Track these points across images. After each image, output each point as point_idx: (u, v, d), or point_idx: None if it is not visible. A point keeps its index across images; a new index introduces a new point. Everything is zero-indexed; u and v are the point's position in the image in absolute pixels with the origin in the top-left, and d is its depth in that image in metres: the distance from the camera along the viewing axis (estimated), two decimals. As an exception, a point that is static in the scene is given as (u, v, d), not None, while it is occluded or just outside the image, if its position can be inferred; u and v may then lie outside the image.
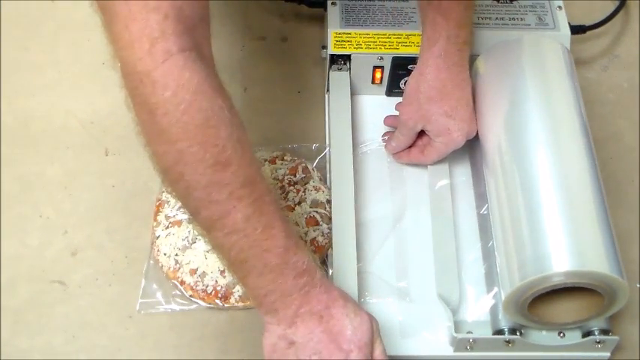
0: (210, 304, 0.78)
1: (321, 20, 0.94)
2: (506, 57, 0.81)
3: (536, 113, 0.76)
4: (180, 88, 0.58)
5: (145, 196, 0.84)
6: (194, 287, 0.78)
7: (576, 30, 0.91)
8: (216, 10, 0.99)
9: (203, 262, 0.78)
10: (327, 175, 0.84)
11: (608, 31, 0.99)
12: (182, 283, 0.78)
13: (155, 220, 0.81)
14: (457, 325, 0.74)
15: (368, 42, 0.86)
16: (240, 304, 0.78)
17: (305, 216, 0.81)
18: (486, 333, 0.74)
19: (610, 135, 0.90)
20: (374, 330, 0.66)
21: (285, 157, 0.85)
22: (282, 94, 0.93)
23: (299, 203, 0.81)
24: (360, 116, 0.88)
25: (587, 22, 0.94)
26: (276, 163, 0.85)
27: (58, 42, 0.97)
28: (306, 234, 0.79)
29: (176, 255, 0.79)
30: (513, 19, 0.87)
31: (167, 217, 0.81)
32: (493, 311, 0.74)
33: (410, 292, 0.77)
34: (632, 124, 0.92)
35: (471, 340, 0.73)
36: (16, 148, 0.87)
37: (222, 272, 0.78)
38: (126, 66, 0.58)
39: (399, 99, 0.90)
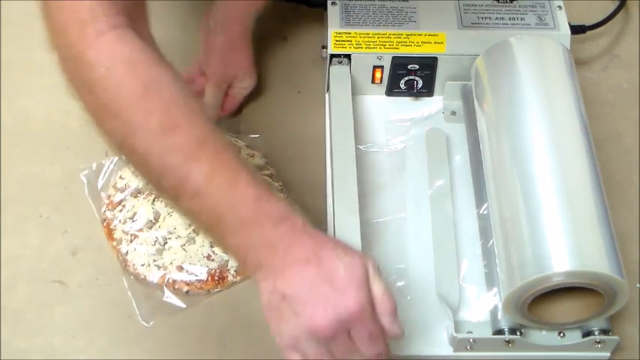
0: (210, 290, 0.78)
1: (321, 20, 0.94)
2: (506, 57, 0.81)
3: (536, 113, 0.76)
4: (113, 62, 0.59)
5: (145, 196, 0.84)
6: (188, 282, 0.78)
7: (576, 30, 0.91)
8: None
9: (185, 256, 0.78)
10: (327, 173, 0.84)
11: (608, 31, 0.99)
12: (174, 282, 0.78)
13: (113, 239, 0.80)
14: (457, 325, 0.74)
15: (368, 42, 0.86)
16: (238, 278, 0.78)
17: None
18: (486, 333, 0.74)
19: (610, 135, 0.90)
20: (370, 268, 0.63)
21: None
22: (282, 94, 0.93)
23: None
24: (359, 116, 0.88)
25: (587, 22, 0.94)
26: None
27: (58, 42, 0.97)
28: None
29: (155, 261, 0.79)
30: (513, 18, 0.87)
31: (126, 232, 0.80)
32: (493, 311, 0.74)
33: (410, 292, 0.77)
34: (632, 124, 0.92)
35: (470, 340, 0.73)
36: (16, 148, 0.87)
37: (207, 257, 0.78)
38: (61, 51, 0.61)
39: (399, 99, 0.90)
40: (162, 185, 0.62)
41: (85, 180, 0.84)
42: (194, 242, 0.79)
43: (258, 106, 0.92)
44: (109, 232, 0.81)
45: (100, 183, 0.84)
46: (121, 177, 0.84)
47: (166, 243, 0.79)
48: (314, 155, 0.87)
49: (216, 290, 0.78)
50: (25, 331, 0.76)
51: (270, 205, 0.62)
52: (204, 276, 0.78)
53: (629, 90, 0.95)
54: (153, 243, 0.79)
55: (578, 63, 0.85)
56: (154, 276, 0.78)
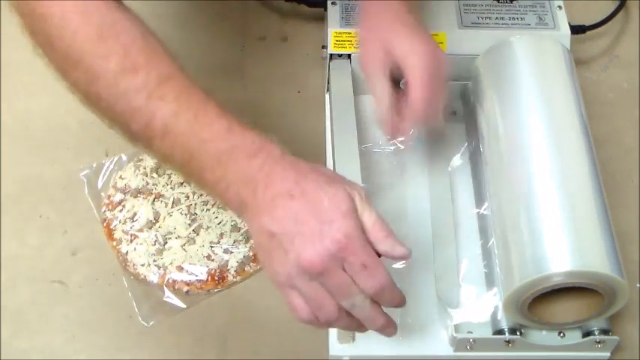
0: (210, 290, 0.78)
1: (321, 20, 0.94)
2: (506, 57, 0.81)
3: (536, 113, 0.76)
4: (66, 11, 0.60)
5: (145, 196, 0.84)
6: (188, 282, 0.78)
7: (576, 30, 0.91)
8: (216, 10, 0.99)
9: (185, 256, 0.79)
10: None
11: (608, 31, 0.99)
12: (174, 282, 0.78)
13: (113, 239, 0.80)
14: (457, 325, 0.74)
15: (368, 42, 0.86)
16: (238, 278, 0.78)
17: None
18: (486, 333, 0.74)
19: (610, 135, 0.90)
20: (357, 197, 0.61)
21: None
22: (282, 94, 0.93)
23: None
24: (360, 116, 0.87)
25: (587, 22, 0.94)
26: None
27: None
28: None
29: (155, 261, 0.79)
30: (513, 18, 0.87)
31: (126, 232, 0.80)
32: (493, 311, 0.74)
33: (410, 292, 0.77)
34: (632, 124, 0.92)
35: (471, 340, 0.73)
36: (16, 148, 0.87)
37: (207, 257, 0.78)
38: (19, 9, 0.62)
39: (399, 99, 0.90)
40: (133, 130, 0.61)
41: (84, 180, 0.84)
42: (194, 242, 0.79)
43: (258, 106, 0.92)
44: (109, 232, 0.81)
45: (100, 183, 0.84)
46: (121, 177, 0.84)
47: (166, 243, 0.79)
48: (314, 155, 0.87)
49: (216, 290, 0.78)
50: (25, 331, 0.76)
51: (242, 136, 0.61)
52: (204, 276, 0.78)
53: (629, 90, 0.95)
54: (153, 243, 0.79)
55: (578, 63, 0.85)
56: (154, 276, 0.78)
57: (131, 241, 0.80)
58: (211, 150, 0.60)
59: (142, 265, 0.79)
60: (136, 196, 0.82)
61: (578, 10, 0.95)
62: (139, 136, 0.62)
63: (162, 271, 0.78)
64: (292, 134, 0.90)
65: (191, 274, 0.78)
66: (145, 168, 0.84)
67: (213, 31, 0.98)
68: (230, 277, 0.78)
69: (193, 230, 0.80)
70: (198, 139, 0.60)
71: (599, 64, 0.97)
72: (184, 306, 0.77)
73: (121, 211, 0.82)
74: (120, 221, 0.81)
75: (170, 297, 0.78)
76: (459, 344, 0.73)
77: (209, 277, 0.78)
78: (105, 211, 0.82)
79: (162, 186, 0.83)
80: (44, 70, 0.94)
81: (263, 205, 0.60)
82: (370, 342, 0.74)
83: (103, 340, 0.76)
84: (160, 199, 0.82)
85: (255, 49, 0.97)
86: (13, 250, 0.80)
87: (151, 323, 0.76)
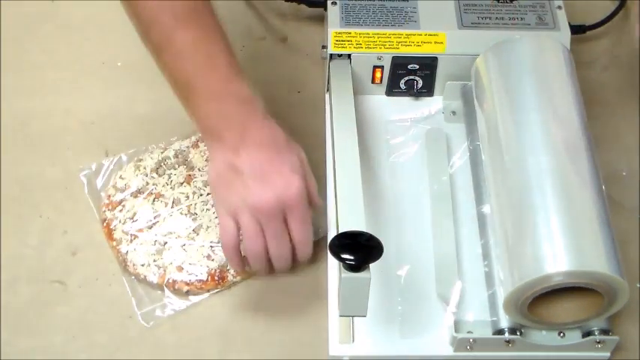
0: (210, 290, 0.78)
1: (321, 20, 0.94)
2: (506, 57, 0.81)
3: (536, 113, 0.76)
4: None
5: (145, 196, 0.84)
6: (188, 282, 0.78)
7: (576, 30, 0.91)
8: (216, 10, 0.99)
9: (185, 256, 0.79)
10: (327, 173, 0.84)
11: (608, 31, 0.99)
12: (174, 283, 0.78)
13: (113, 239, 0.80)
14: (457, 325, 0.74)
15: (368, 42, 0.86)
16: (238, 278, 0.78)
17: None
18: (486, 333, 0.74)
19: (610, 135, 0.90)
20: (305, 160, 0.74)
21: None
22: (282, 94, 0.93)
23: None
24: (359, 116, 0.88)
25: (587, 22, 0.94)
26: (199, 147, 0.86)
27: (58, 42, 0.97)
28: None
29: (155, 261, 0.79)
30: (513, 18, 0.87)
31: (126, 232, 0.80)
32: (493, 311, 0.74)
33: (410, 292, 0.77)
34: (632, 124, 0.92)
35: (471, 340, 0.73)
36: (16, 148, 0.87)
37: (207, 257, 0.78)
38: None
39: (399, 99, 0.90)
40: (150, 36, 0.68)
41: (84, 180, 0.84)
42: (194, 242, 0.79)
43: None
44: (109, 232, 0.81)
45: (100, 183, 0.84)
46: (121, 177, 0.84)
47: (166, 243, 0.79)
48: (314, 155, 0.87)
49: (216, 290, 0.78)
50: (25, 331, 0.76)
51: (238, 86, 0.70)
52: (204, 276, 0.78)
53: (629, 90, 0.95)
54: (153, 243, 0.79)
55: (578, 63, 0.84)
56: (153, 276, 0.78)
57: (131, 241, 0.80)
58: (210, 85, 0.69)
59: (142, 265, 0.79)
60: (136, 196, 0.82)
61: (578, 10, 0.95)
62: (154, 43, 0.69)
63: (162, 271, 0.78)
64: (292, 134, 0.89)
65: (191, 274, 0.78)
66: (145, 168, 0.84)
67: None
68: (230, 277, 0.78)
69: (193, 230, 0.80)
70: (203, 73, 0.69)
71: (599, 64, 0.97)
72: (184, 306, 0.77)
73: (120, 211, 0.82)
74: (120, 221, 0.81)
75: (170, 297, 0.78)
76: (459, 344, 0.73)
77: (209, 277, 0.78)
78: (105, 211, 0.82)
79: (162, 186, 0.83)
80: (44, 70, 0.95)
81: (238, 144, 0.70)
82: (370, 342, 0.74)
83: (103, 340, 0.76)
84: (160, 199, 0.82)
85: (255, 49, 0.97)
86: (13, 250, 0.80)
87: (151, 323, 0.76)
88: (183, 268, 0.78)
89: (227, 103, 0.70)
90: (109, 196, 0.83)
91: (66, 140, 0.88)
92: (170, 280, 0.78)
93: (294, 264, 0.76)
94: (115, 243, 0.80)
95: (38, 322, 0.77)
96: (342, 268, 0.66)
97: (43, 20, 0.99)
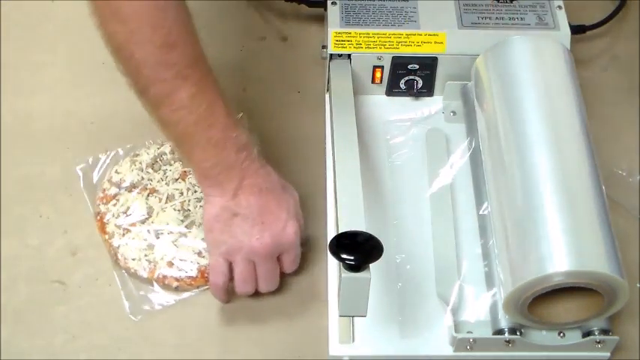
0: (199, 286, 0.78)
1: (321, 20, 0.94)
2: (506, 57, 0.81)
3: (536, 113, 0.76)
4: None
5: (145, 196, 0.84)
6: (178, 277, 0.78)
7: (576, 30, 0.91)
8: (216, 10, 0.99)
9: (176, 251, 0.79)
10: (327, 173, 0.84)
11: (608, 31, 0.99)
12: (164, 278, 0.78)
13: (105, 232, 0.81)
14: (457, 325, 0.74)
15: (368, 42, 0.86)
16: None
17: None
18: (486, 333, 0.74)
19: (610, 135, 0.90)
20: (298, 201, 0.76)
21: None
22: (282, 94, 0.93)
23: None
24: (359, 116, 0.88)
25: (587, 22, 0.94)
26: None
27: (58, 42, 0.97)
28: None
29: (146, 255, 0.79)
30: (513, 18, 0.87)
31: (118, 226, 0.80)
32: (493, 311, 0.74)
33: (410, 292, 0.77)
34: (632, 124, 0.92)
35: (471, 340, 0.73)
36: (16, 148, 0.87)
37: (198, 254, 0.79)
38: None
39: (399, 99, 0.90)
40: (149, 92, 0.68)
41: (80, 173, 0.85)
42: (186, 238, 0.79)
43: (258, 106, 0.92)
44: (102, 226, 0.81)
45: (96, 177, 0.85)
46: (116, 171, 0.84)
47: (158, 238, 0.80)
48: (314, 155, 0.87)
49: (205, 287, 0.78)
50: (25, 331, 0.76)
51: (236, 134, 0.71)
52: (194, 272, 0.78)
53: (629, 90, 0.95)
54: (145, 238, 0.80)
55: (578, 63, 0.84)
56: (144, 270, 0.78)
57: (123, 235, 0.80)
58: (210, 135, 0.70)
59: (133, 260, 0.79)
60: (130, 191, 0.82)
61: (578, 10, 0.95)
62: (153, 99, 0.69)
63: (152, 266, 0.78)
64: (292, 134, 0.90)
65: (181, 269, 0.78)
66: (140, 163, 0.84)
67: (213, 31, 0.98)
68: None
69: (186, 226, 0.80)
70: (204, 124, 0.69)
71: (599, 64, 0.97)
72: (173, 301, 0.78)
73: (114, 205, 0.82)
74: (113, 215, 0.81)
75: (159, 292, 0.78)
76: (459, 344, 0.73)
77: (199, 274, 0.78)
78: (99, 205, 0.83)
79: (157, 181, 0.83)
80: (44, 70, 0.95)
81: (236, 190, 0.72)
82: (370, 342, 0.74)
83: (103, 340, 0.76)
84: (155, 194, 0.82)
85: (255, 49, 0.97)
86: (13, 250, 0.80)
87: (139, 317, 0.76)
88: (173, 264, 0.78)
89: (226, 151, 0.71)
90: (104, 189, 0.83)
91: (66, 140, 0.88)
92: (160, 275, 0.78)
93: None
94: (107, 236, 0.80)
95: (38, 322, 0.77)
96: (342, 268, 0.66)
97: (43, 20, 0.99)
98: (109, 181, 0.84)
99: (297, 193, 0.77)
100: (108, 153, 0.86)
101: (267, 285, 0.76)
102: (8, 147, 0.87)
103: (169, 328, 0.77)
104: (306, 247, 0.80)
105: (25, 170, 0.86)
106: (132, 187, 0.83)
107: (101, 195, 0.83)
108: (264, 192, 0.73)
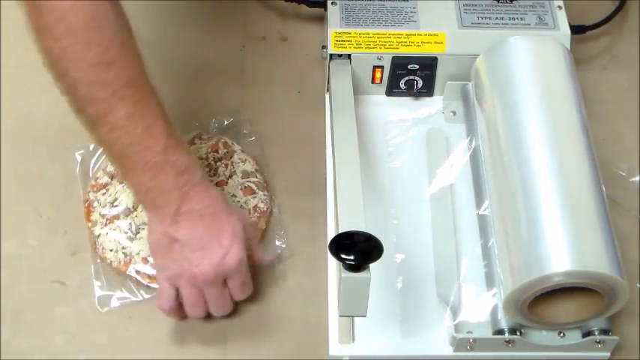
0: None
1: (321, 20, 0.94)
2: (506, 57, 0.81)
3: (536, 113, 0.76)
4: None
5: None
6: (151, 275, 0.78)
7: (576, 30, 0.91)
8: (216, 10, 0.99)
9: None
10: (327, 173, 0.84)
11: (608, 31, 0.99)
12: (137, 272, 0.78)
13: (89, 220, 0.81)
14: (457, 325, 0.74)
15: (368, 42, 0.86)
16: None
17: (240, 187, 0.83)
18: (486, 333, 0.74)
19: (610, 135, 0.90)
20: (246, 224, 0.74)
21: (202, 137, 0.87)
22: (282, 94, 0.93)
23: (230, 176, 0.84)
24: (359, 116, 0.88)
25: (587, 22, 0.94)
26: (195, 144, 0.86)
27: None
28: (246, 202, 0.82)
29: (123, 248, 0.79)
30: (513, 18, 0.87)
31: (102, 216, 0.81)
32: (493, 311, 0.74)
33: (410, 292, 0.77)
34: (632, 124, 0.92)
35: (471, 340, 0.73)
36: (16, 148, 0.87)
37: None
38: None
39: (399, 99, 0.90)
40: (85, 112, 0.67)
41: (78, 158, 0.85)
42: None
43: (258, 106, 0.92)
44: (88, 213, 0.82)
45: (92, 164, 0.85)
46: (113, 162, 0.85)
47: (138, 233, 0.80)
48: (314, 155, 0.87)
49: None
50: (25, 331, 0.76)
51: (175, 157, 0.68)
52: None
53: (629, 90, 0.95)
54: (125, 231, 0.80)
55: (578, 63, 0.84)
56: (118, 263, 0.78)
57: (105, 224, 0.80)
58: (147, 158, 0.68)
59: (111, 251, 0.79)
60: (121, 182, 0.82)
61: (578, 10, 0.95)
62: (89, 119, 0.67)
63: (127, 260, 0.78)
64: (292, 134, 0.90)
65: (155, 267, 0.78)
66: None
67: (213, 31, 0.98)
68: None
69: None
70: (141, 146, 0.67)
71: (599, 64, 0.97)
72: (141, 298, 0.78)
73: (103, 194, 0.82)
74: (100, 204, 0.81)
75: (130, 287, 0.78)
76: (459, 344, 0.73)
77: None
78: (89, 192, 0.83)
79: None
80: (44, 70, 0.94)
81: (175, 215, 0.70)
82: (370, 342, 0.74)
83: (103, 340, 0.76)
84: None
85: (255, 49, 0.97)
86: (13, 250, 0.80)
87: (105, 309, 0.77)
88: (148, 261, 0.78)
89: (164, 175, 0.68)
90: (97, 178, 0.84)
91: (66, 140, 0.88)
92: (133, 270, 0.78)
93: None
94: (90, 224, 0.81)
95: (38, 322, 0.77)
96: (342, 268, 0.66)
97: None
98: (104, 170, 0.84)
99: (246, 216, 0.76)
100: None
101: (217, 310, 0.74)
102: (8, 147, 0.87)
103: (169, 328, 0.77)
104: (281, 261, 0.80)
105: (25, 170, 0.86)
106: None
107: (93, 183, 0.84)
108: (205, 217, 0.70)
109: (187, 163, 0.69)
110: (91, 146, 0.86)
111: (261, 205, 0.82)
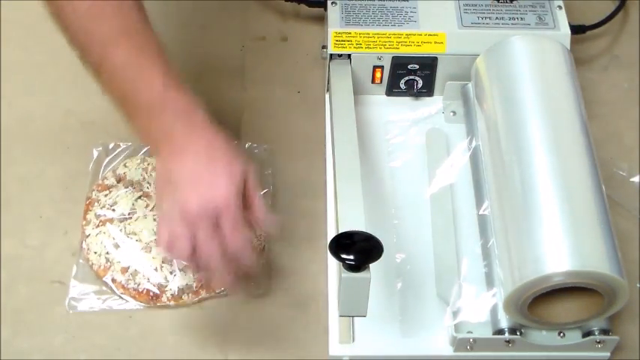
0: (141, 302, 0.77)
1: (321, 20, 0.94)
2: (506, 57, 0.81)
3: (536, 113, 0.76)
4: None
5: (145, 196, 0.84)
6: (125, 285, 0.77)
7: (576, 30, 0.91)
8: (216, 10, 0.99)
9: (135, 261, 0.78)
10: (327, 173, 0.84)
11: (608, 31, 0.99)
12: (113, 281, 0.78)
13: (85, 218, 0.81)
14: (457, 325, 0.74)
15: (368, 42, 0.86)
16: (172, 302, 0.77)
17: None
18: (486, 333, 0.74)
19: (610, 135, 0.90)
20: (250, 176, 0.70)
21: None
22: (282, 94, 0.93)
23: None
24: (359, 116, 0.88)
25: (587, 22, 0.94)
26: None
27: (58, 42, 0.96)
28: None
29: (107, 253, 0.79)
30: (513, 18, 0.87)
31: (97, 216, 0.81)
32: (493, 311, 0.74)
33: (410, 292, 0.77)
34: (632, 124, 0.92)
35: (471, 340, 0.73)
36: (16, 148, 0.87)
37: (155, 269, 0.78)
38: None
39: (399, 99, 0.90)
40: (87, 59, 0.70)
41: (95, 154, 0.86)
42: (150, 251, 0.79)
43: (258, 106, 0.92)
44: (86, 211, 0.82)
45: (105, 163, 0.85)
46: (125, 164, 0.85)
47: (124, 243, 0.79)
48: (314, 155, 0.87)
49: (146, 305, 0.77)
50: (25, 331, 0.76)
51: (175, 98, 0.69)
52: (141, 287, 0.77)
53: (629, 90, 0.95)
54: (114, 237, 0.79)
55: (578, 63, 0.85)
56: (98, 267, 0.78)
57: (97, 226, 0.80)
58: (146, 100, 0.69)
59: (95, 253, 0.79)
60: (126, 187, 0.82)
61: (578, 10, 0.95)
62: (92, 65, 0.70)
63: (107, 265, 0.78)
64: (292, 134, 0.90)
65: (130, 280, 0.78)
66: (149, 165, 0.84)
67: (213, 31, 0.98)
68: (164, 299, 0.77)
69: (154, 240, 0.79)
70: (138, 91, 0.69)
71: (599, 64, 0.97)
72: (114, 308, 0.77)
73: (106, 195, 0.82)
74: (99, 204, 0.82)
75: (104, 294, 0.77)
76: (459, 344, 0.73)
77: (144, 290, 0.77)
78: (93, 190, 0.83)
79: (153, 188, 0.82)
80: (44, 70, 0.95)
81: (175, 155, 0.69)
82: (370, 342, 0.74)
83: (103, 340, 0.76)
84: (145, 198, 0.82)
85: (255, 49, 0.97)
86: (13, 250, 0.80)
87: (71, 312, 0.76)
88: (127, 271, 0.78)
89: (163, 116, 0.69)
90: (104, 178, 0.84)
91: (66, 140, 0.88)
92: (110, 278, 0.78)
93: (244, 274, 0.72)
94: (84, 222, 0.81)
95: (38, 322, 0.77)
96: (342, 268, 0.66)
97: (43, 20, 0.98)
98: (113, 171, 0.84)
99: (250, 165, 0.70)
100: (128, 144, 0.86)
101: (207, 255, 0.69)
102: (8, 147, 0.87)
103: (169, 328, 0.77)
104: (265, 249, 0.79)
105: (25, 170, 0.86)
106: (129, 184, 0.83)
107: (99, 182, 0.84)
108: (202, 156, 0.69)
109: (188, 104, 0.70)
110: (111, 145, 0.86)
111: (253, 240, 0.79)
